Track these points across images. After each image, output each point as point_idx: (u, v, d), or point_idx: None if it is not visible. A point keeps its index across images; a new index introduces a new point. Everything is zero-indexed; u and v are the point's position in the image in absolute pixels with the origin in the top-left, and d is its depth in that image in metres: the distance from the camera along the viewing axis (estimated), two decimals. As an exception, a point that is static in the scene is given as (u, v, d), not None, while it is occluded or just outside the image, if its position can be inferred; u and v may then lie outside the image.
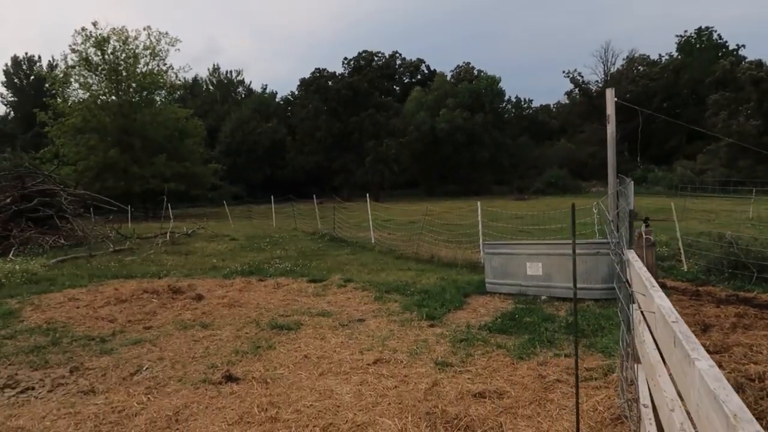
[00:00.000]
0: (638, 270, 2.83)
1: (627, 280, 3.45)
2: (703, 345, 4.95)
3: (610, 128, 8.96)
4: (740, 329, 6.29)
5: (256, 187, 57.58)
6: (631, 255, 3.27)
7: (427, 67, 77.51)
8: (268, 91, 76.66)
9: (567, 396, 4.63)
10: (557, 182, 55.11)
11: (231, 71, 79.00)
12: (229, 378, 5.34)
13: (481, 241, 11.29)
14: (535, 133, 69.39)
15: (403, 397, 4.75)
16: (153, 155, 41.34)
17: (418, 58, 77.86)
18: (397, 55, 76.16)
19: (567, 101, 77.14)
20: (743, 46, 61.90)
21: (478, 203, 11.81)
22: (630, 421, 3.92)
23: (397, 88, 74.73)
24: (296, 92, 71.00)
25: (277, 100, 75.23)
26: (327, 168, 60.37)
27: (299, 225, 23.97)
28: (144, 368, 5.76)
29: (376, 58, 72.78)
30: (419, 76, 76.45)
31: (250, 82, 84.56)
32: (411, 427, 4.17)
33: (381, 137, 58.51)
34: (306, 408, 4.61)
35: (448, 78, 66.97)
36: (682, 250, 9.88)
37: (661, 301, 2.13)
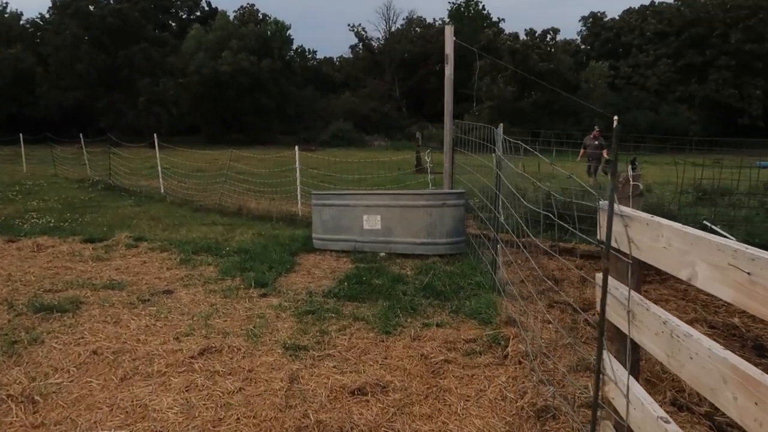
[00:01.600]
0: (671, 224, 1.91)
1: (601, 241, 2.56)
2: (567, 302, 4.33)
3: (448, 69, 8.28)
4: (589, 283, 6.14)
5: (-5, 126, 47.55)
6: (624, 209, 2.36)
7: (208, 3, 71.31)
8: (9, 10, 63.14)
9: (464, 382, 3.74)
10: (343, 135, 55.69)
11: (-48, -21, 62.98)
12: (-33, 402, 3.40)
13: (299, 191, 10.00)
14: (320, 85, 68.76)
15: (255, 405, 3.40)
16: None
17: (198, -8, 71.05)
18: (174, -15, 68.47)
19: (350, 55, 77.99)
20: (503, 19, 68.38)
21: (296, 147, 10.41)
22: (572, 419, 3.14)
23: (174, 24, 67.56)
24: (48, 15, 59.91)
25: (21, 22, 62.52)
26: (91, 107, 52.35)
27: (60, 171, 19.79)
28: None
29: (149, -14, 64.37)
30: (198, 13, 69.99)
31: (-17, -3, 68.57)
32: (281, 455, 2.88)
33: (157, 76, 52.39)
34: (107, 441, 3.01)
35: (231, 19, 62.52)
36: (499, 201, 9.81)
37: None
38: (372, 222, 7.16)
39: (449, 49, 7.95)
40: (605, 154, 14.92)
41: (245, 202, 10.98)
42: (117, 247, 7.61)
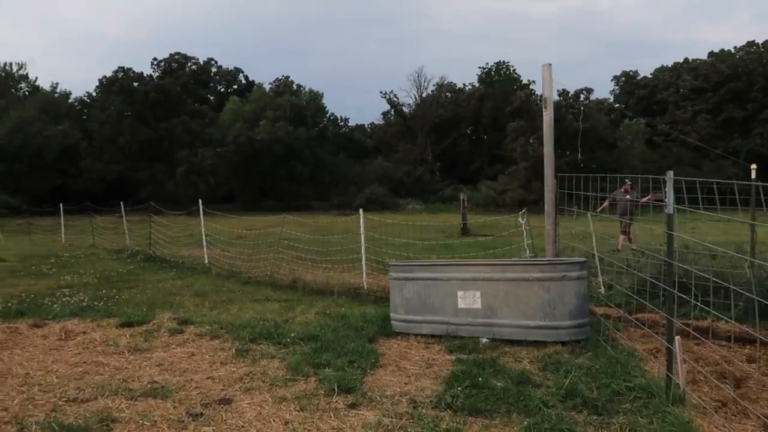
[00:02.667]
0: None
1: None
2: None
3: (548, 114, 7.04)
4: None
5: (42, 199, 48.36)
6: None
7: (245, 77, 73.77)
8: (59, 90, 65.92)
9: None
10: (377, 199, 55.35)
11: (10, 63, 65.97)
12: None
13: (363, 260, 8.73)
14: (352, 151, 69.30)
15: None
16: None
17: (235, 67, 73.63)
18: (213, 62, 71.12)
19: (382, 121, 78.72)
20: (534, 81, 67.93)
21: (360, 211, 9.27)
22: None
23: (212, 98, 69.62)
24: (94, 93, 62.30)
25: (70, 100, 65.17)
26: (132, 178, 53.31)
27: (99, 241, 19.02)
28: None
29: (190, 63, 66.85)
30: (236, 86, 72.31)
31: (36, 78, 71.85)
32: None
33: (196, 147, 53.22)
34: None
35: (267, 90, 64.07)
36: (599, 269, 8.38)
37: None
38: (469, 300, 5.78)
39: (548, 91, 6.78)
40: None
41: (299, 273, 9.70)
42: (159, 332, 6.34)
